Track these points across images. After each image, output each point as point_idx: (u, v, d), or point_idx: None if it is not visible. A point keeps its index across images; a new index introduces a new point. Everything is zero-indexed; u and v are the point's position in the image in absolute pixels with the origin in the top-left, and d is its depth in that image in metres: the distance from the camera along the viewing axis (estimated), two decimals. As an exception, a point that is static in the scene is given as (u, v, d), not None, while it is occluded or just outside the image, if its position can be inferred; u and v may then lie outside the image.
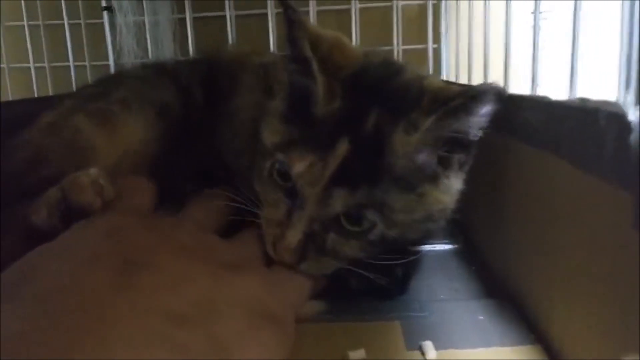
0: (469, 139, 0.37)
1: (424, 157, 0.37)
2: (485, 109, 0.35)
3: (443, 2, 0.81)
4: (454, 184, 0.40)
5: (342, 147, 0.36)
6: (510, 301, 0.40)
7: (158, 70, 0.57)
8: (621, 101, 0.26)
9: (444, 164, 0.39)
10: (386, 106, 0.37)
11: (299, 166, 0.37)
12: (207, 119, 0.51)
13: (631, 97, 0.28)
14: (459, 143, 0.38)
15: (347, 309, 0.41)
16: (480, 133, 0.37)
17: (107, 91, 0.51)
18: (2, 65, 0.83)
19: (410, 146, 0.36)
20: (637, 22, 0.30)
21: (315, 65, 0.38)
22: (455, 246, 0.53)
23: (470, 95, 0.35)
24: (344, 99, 0.38)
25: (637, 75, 0.27)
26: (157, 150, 0.49)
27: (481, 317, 0.39)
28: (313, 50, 0.38)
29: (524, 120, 0.37)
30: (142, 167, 0.47)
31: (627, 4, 0.34)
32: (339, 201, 0.36)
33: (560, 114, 0.30)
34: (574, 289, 0.32)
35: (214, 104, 0.51)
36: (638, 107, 0.24)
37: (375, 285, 0.41)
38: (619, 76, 0.34)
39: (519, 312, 0.39)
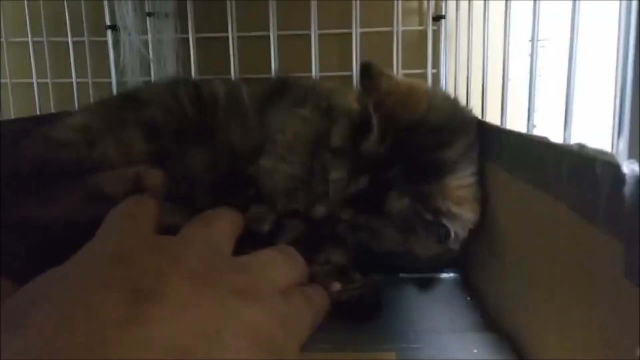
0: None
1: (409, 222, 0.46)
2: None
3: (442, 28, 0.82)
4: (429, 247, 0.48)
5: (362, 182, 0.47)
6: (505, 335, 0.41)
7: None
8: (614, 149, 0.27)
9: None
10: (407, 167, 0.46)
11: (333, 173, 0.49)
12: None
13: (623, 146, 0.29)
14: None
15: (343, 338, 0.41)
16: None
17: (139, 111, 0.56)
18: (4, 80, 0.84)
19: (400, 206, 0.46)
20: (630, 69, 0.30)
21: (374, 120, 0.47)
22: (452, 275, 0.54)
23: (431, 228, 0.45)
24: (386, 147, 0.47)
25: (629, 124, 0.28)
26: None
27: (475, 351, 0.39)
28: (377, 107, 0.48)
29: (523, 159, 0.38)
30: None
31: (621, 48, 0.35)
32: (346, 214, 0.48)
33: (559, 157, 0.31)
34: (568, 330, 0.32)
35: None
36: (632, 160, 0.24)
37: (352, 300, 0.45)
38: (613, 119, 0.35)
39: (513, 348, 0.39)
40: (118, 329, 0.26)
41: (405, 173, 0.46)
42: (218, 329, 0.29)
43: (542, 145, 0.34)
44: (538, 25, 0.42)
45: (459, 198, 0.46)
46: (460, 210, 0.46)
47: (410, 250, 0.49)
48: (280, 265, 0.39)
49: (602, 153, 0.27)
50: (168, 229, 0.39)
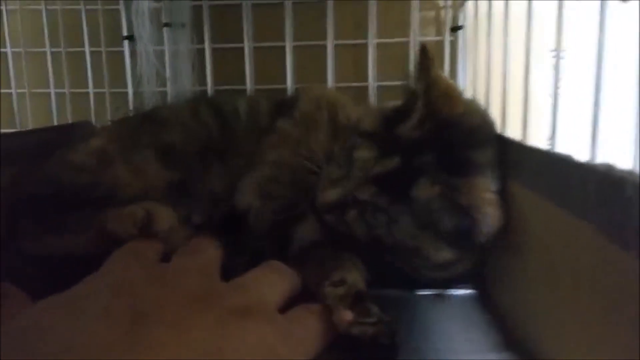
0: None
1: (432, 215, 0.45)
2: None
3: (460, 38, 0.81)
4: (441, 251, 0.46)
5: (392, 162, 0.46)
6: (526, 356, 0.39)
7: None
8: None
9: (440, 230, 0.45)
10: (440, 157, 0.45)
11: (360, 153, 0.48)
12: None
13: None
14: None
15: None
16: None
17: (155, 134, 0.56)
18: (22, 90, 0.85)
19: (429, 194, 0.44)
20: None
21: (420, 103, 0.48)
22: (469, 292, 0.52)
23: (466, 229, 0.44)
24: (423, 133, 0.47)
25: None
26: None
27: (497, 372, 0.38)
28: (426, 91, 0.48)
29: (547, 177, 0.37)
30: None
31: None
32: (367, 193, 0.46)
33: (585, 177, 0.30)
34: (595, 352, 0.31)
35: None
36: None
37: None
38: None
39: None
40: (121, 351, 0.27)
41: (438, 162, 0.45)
42: (220, 348, 0.29)
43: (567, 164, 0.33)
44: (562, 37, 0.41)
45: (486, 200, 0.45)
46: (487, 210, 0.44)
47: (421, 249, 0.46)
48: (272, 283, 0.39)
49: (631, 174, 0.26)
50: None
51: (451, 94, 0.50)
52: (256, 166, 0.55)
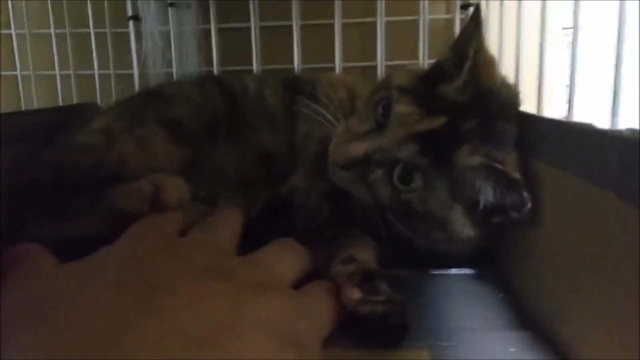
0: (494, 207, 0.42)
1: (469, 186, 0.43)
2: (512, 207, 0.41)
3: (471, 16, 0.79)
4: (466, 227, 0.44)
5: (438, 121, 0.43)
6: (543, 333, 0.39)
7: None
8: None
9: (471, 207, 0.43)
10: (483, 125, 0.43)
11: (402, 107, 0.45)
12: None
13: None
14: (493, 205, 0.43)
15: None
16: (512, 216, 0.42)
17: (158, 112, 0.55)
18: (27, 72, 0.84)
19: (469, 164, 0.42)
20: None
21: (468, 64, 0.45)
22: (482, 271, 0.51)
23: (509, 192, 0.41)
24: (468, 98, 0.44)
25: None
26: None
27: (512, 349, 0.37)
28: (475, 53, 0.45)
29: (564, 148, 0.36)
30: None
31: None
32: (407, 151, 0.43)
33: (608, 143, 0.29)
34: (616, 327, 0.30)
35: None
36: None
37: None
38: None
39: (552, 346, 0.37)
40: (133, 320, 0.27)
41: (481, 130, 0.43)
42: (233, 321, 0.29)
43: (587, 131, 0.32)
44: (579, 10, 0.40)
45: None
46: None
47: (448, 222, 0.44)
48: (286, 259, 0.39)
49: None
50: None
51: (494, 63, 0.48)
52: (300, 164, 0.54)
